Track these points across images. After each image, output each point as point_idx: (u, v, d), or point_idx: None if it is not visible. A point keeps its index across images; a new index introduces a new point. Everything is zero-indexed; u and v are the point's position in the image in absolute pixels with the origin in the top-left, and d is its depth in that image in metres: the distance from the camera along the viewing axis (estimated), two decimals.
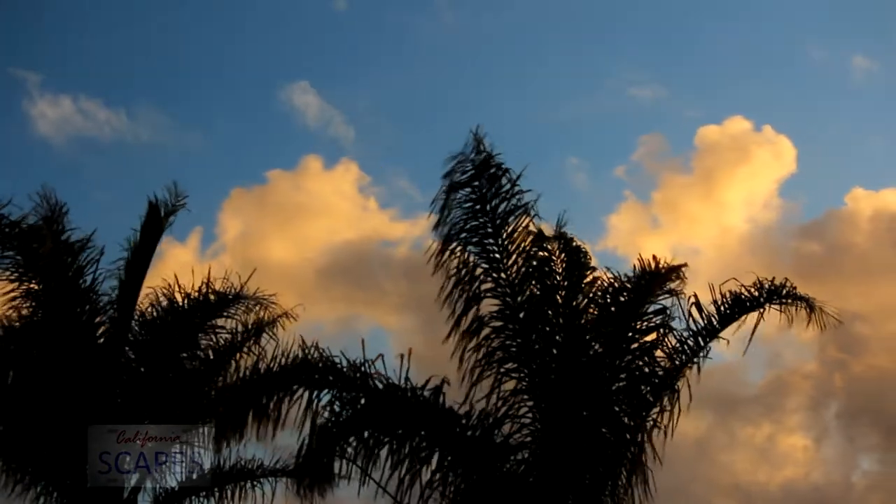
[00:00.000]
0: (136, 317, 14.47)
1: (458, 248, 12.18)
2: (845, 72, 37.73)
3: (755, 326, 12.03)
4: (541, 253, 12.34)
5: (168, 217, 14.60)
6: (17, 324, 14.08)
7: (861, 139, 38.60)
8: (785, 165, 35.69)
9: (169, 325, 14.61)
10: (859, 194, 34.86)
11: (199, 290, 14.96)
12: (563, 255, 12.52)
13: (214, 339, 14.80)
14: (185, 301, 14.85)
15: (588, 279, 12.49)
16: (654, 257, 12.80)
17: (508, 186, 12.27)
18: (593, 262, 12.68)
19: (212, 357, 14.60)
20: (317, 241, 35.49)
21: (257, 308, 15.16)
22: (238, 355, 14.67)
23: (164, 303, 14.84)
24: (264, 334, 15.02)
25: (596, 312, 12.32)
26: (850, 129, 38.26)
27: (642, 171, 37.41)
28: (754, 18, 38.61)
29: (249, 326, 15.10)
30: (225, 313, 15.01)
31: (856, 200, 34.84)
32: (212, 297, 14.94)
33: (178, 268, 15.58)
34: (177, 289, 14.89)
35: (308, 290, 31.63)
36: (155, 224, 14.47)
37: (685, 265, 12.83)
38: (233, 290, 15.09)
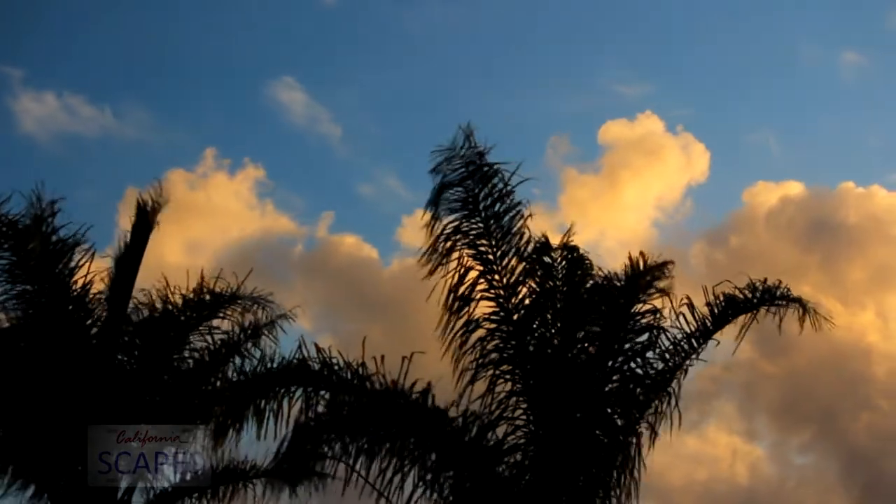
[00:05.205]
0: (128, 317, 14.50)
1: (451, 248, 12.11)
2: (835, 70, 37.65)
3: (746, 328, 12.07)
4: (544, 258, 12.31)
5: (155, 215, 14.66)
6: (10, 324, 14.12)
7: (854, 135, 38.55)
8: (693, 169, 35.66)
9: (161, 326, 14.59)
10: (759, 188, 34.96)
11: (194, 291, 14.94)
12: (563, 261, 12.45)
13: (211, 340, 14.79)
14: (178, 301, 14.86)
15: (588, 285, 12.45)
16: (642, 254, 12.52)
17: (501, 186, 12.17)
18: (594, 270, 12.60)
19: (206, 358, 14.59)
20: (213, 242, 34.69)
21: (254, 308, 15.12)
22: (234, 356, 14.66)
23: (157, 304, 14.80)
24: (262, 336, 15.02)
25: (589, 313, 12.24)
26: (843, 126, 38.20)
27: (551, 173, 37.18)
28: (746, 17, 38.61)
29: (246, 327, 15.08)
30: (220, 314, 15.03)
31: (753, 196, 34.90)
32: (206, 297, 14.98)
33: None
34: (169, 290, 14.91)
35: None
36: (144, 225, 14.46)
37: (671, 262, 12.53)
38: (229, 290, 15.09)
